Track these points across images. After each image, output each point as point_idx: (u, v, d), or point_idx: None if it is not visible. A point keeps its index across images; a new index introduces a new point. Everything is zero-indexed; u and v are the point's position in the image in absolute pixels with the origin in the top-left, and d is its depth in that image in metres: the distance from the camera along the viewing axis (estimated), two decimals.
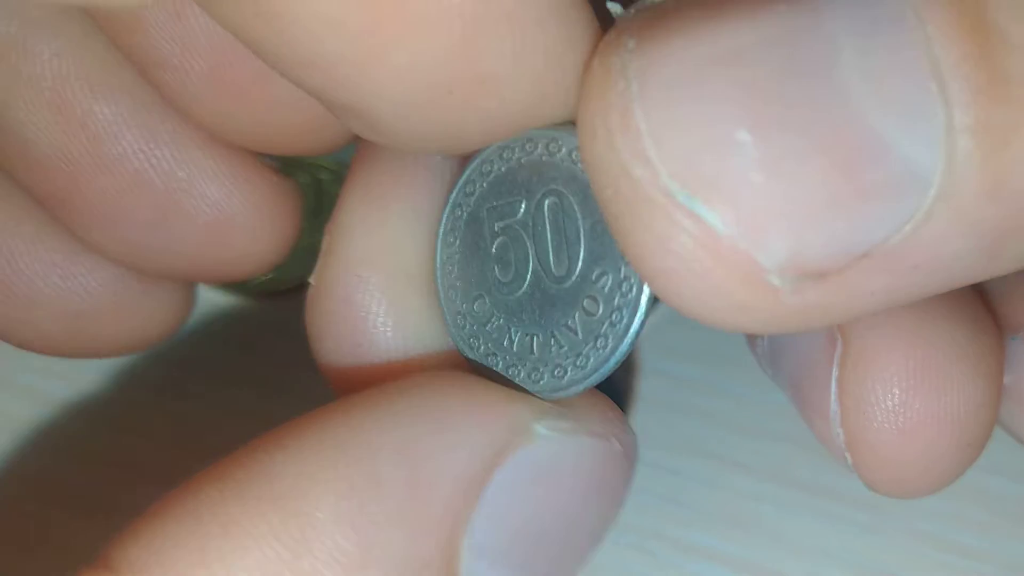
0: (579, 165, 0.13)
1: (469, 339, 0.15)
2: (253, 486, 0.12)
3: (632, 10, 0.12)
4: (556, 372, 0.14)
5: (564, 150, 0.13)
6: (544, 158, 0.13)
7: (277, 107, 0.16)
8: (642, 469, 0.25)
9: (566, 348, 0.14)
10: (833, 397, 0.16)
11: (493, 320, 0.14)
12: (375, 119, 0.13)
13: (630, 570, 0.22)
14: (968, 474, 0.23)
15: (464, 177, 0.15)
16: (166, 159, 0.17)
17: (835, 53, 0.10)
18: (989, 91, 0.10)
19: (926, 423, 0.16)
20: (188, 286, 0.21)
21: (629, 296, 0.13)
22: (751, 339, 0.19)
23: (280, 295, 0.27)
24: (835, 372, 0.16)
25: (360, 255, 0.15)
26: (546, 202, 0.14)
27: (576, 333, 0.14)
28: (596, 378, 0.14)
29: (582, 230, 0.13)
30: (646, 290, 0.13)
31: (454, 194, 0.15)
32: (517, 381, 0.14)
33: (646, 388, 0.25)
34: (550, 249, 0.14)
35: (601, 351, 0.13)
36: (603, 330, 0.13)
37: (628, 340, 0.13)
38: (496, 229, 0.14)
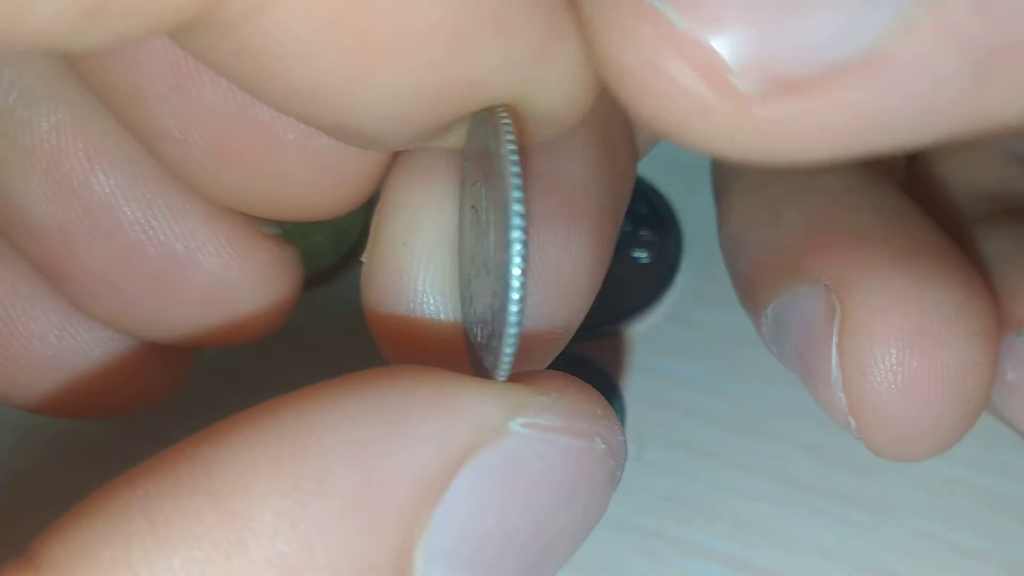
0: (496, 149, 0.13)
1: (465, 308, 0.15)
2: (190, 481, 0.11)
3: None
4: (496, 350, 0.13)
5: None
6: (488, 141, 0.13)
7: (281, 179, 0.16)
8: (642, 469, 0.25)
9: (489, 329, 0.13)
10: (834, 363, 0.17)
11: (466, 291, 0.15)
12: (368, 135, 0.13)
13: (630, 570, 0.22)
14: (968, 474, 0.23)
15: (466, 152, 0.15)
16: (164, 231, 0.17)
17: None
18: None
19: (924, 381, 0.16)
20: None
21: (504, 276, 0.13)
22: (756, 317, 0.20)
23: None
24: (835, 339, 0.17)
25: (406, 228, 0.15)
26: (483, 188, 0.14)
27: (490, 317, 0.13)
28: (507, 356, 0.13)
29: (492, 219, 0.13)
30: (516, 261, 0.12)
31: (465, 167, 0.15)
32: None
33: (646, 387, 0.25)
34: (481, 232, 0.14)
35: (499, 334, 0.13)
36: (497, 304, 0.13)
37: (511, 314, 0.12)
38: (472, 205, 0.14)
